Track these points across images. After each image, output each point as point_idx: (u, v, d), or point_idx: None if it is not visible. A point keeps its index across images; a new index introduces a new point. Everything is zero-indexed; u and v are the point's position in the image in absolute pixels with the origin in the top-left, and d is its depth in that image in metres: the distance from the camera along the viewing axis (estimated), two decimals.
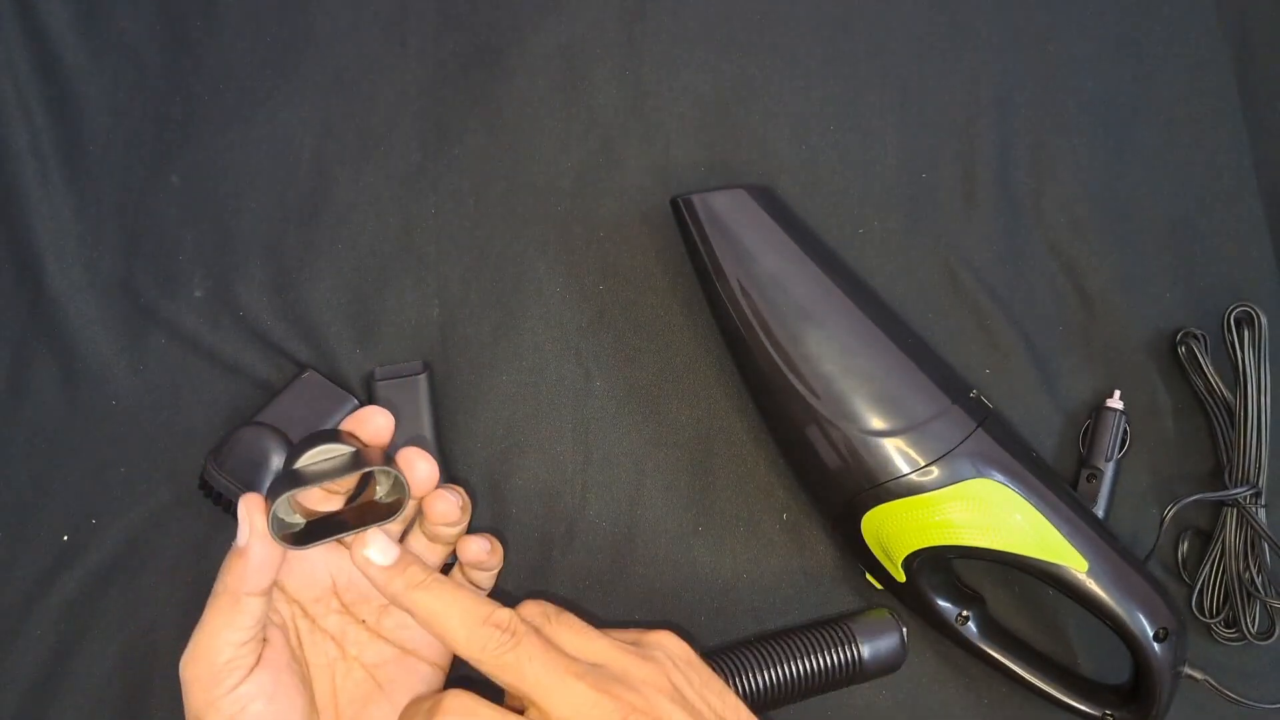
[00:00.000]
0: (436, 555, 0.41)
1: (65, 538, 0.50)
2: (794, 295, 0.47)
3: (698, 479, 0.51)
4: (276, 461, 0.47)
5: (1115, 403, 0.51)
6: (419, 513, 0.40)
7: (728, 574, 0.51)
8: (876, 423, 0.45)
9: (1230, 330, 0.51)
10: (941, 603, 0.47)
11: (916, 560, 0.45)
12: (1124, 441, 0.51)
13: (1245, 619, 0.49)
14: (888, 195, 0.55)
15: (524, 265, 0.54)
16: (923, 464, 0.44)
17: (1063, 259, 0.54)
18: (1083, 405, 0.53)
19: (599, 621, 0.39)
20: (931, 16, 0.57)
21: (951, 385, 0.46)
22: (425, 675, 0.41)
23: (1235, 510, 0.49)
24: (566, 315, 0.53)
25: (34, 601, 0.49)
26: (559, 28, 0.56)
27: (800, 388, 0.46)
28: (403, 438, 0.49)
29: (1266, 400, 0.50)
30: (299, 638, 0.39)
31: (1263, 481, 0.49)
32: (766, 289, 0.47)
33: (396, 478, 0.37)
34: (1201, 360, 0.51)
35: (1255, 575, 0.48)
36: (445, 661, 0.42)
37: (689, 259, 0.50)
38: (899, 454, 0.44)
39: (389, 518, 0.37)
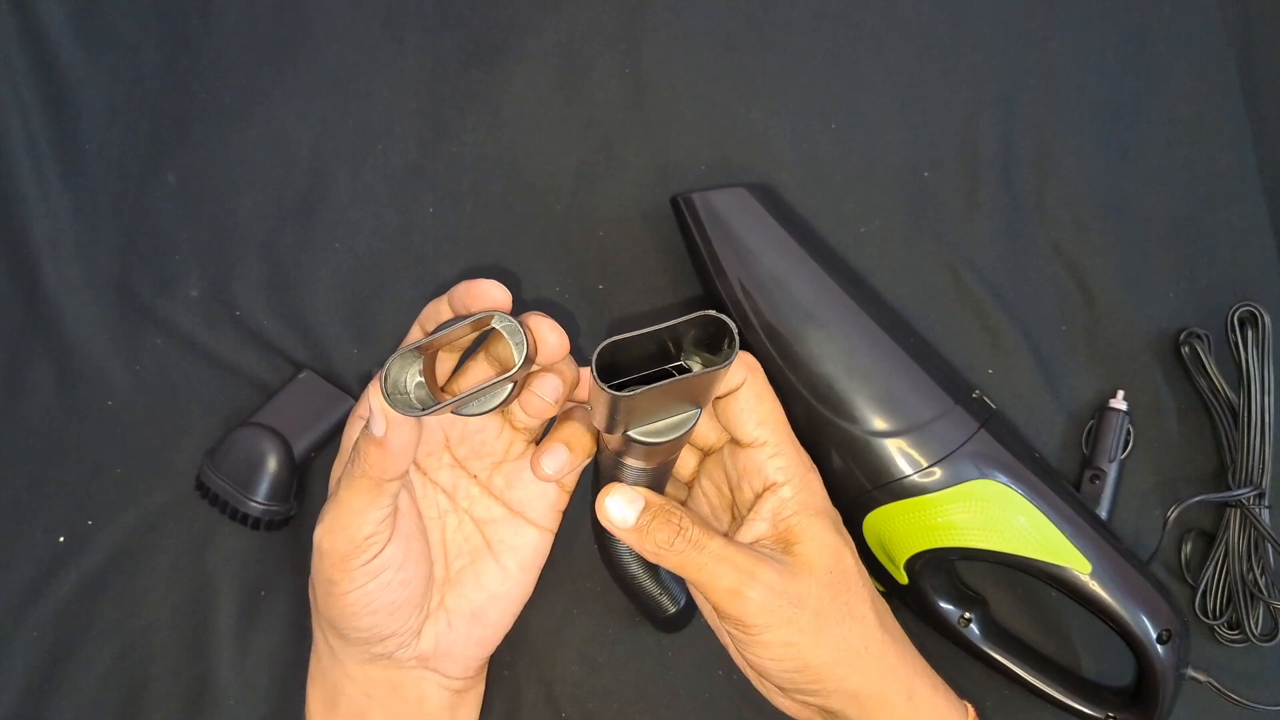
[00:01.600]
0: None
1: (61, 539, 0.49)
2: (795, 295, 0.46)
3: None
4: (273, 462, 0.47)
5: (1119, 403, 0.51)
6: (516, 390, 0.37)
7: None
8: (878, 423, 0.44)
9: (1234, 330, 0.51)
10: (944, 605, 0.47)
11: (919, 562, 0.45)
12: (1127, 442, 0.50)
13: (1249, 620, 0.48)
14: (889, 194, 0.55)
15: (523, 265, 0.53)
16: (925, 465, 0.44)
17: (1065, 258, 0.54)
18: (1086, 405, 0.52)
19: None
20: (933, 15, 0.57)
21: (954, 386, 0.46)
22: (532, 539, 0.42)
23: (1239, 511, 0.49)
24: (566, 316, 0.53)
25: (30, 603, 0.48)
26: (558, 26, 0.56)
27: (801, 388, 0.45)
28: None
29: (1270, 400, 0.49)
30: (413, 492, 0.40)
31: (1266, 482, 0.49)
32: (767, 288, 0.46)
33: (521, 336, 0.34)
34: (1205, 360, 0.51)
35: (1259, 577, 0.48)
36: (554, 525, 0.42)
37: (689, 258, 0.50)
38: (901, 455, 0.44)
39: (505, 377, 0.34)
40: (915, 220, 0.55)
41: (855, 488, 0.45)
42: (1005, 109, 0.56)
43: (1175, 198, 0.55)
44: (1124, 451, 0.50)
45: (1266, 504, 0.49)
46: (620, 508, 0.36)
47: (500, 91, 0.55)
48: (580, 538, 0.50)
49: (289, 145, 0.54)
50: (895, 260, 0.54)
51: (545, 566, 0.50)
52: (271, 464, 0.47)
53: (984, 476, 0.44)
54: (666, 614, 0.44)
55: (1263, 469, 0.49)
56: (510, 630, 0.49)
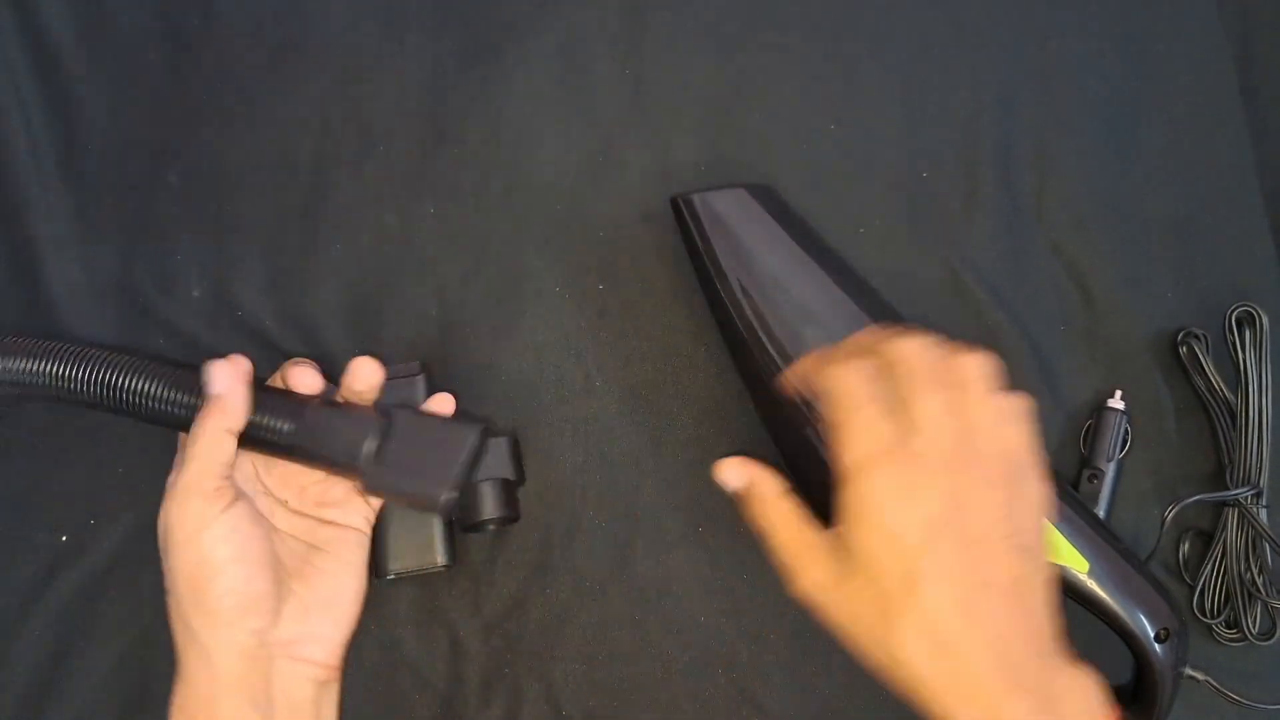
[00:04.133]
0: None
1: (63, 538, 0.50)
2: (795, 296, 0.46)
3: (698, 479, 0.51)
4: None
5: (1117, 403, 0.51)
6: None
7: (728, 574, 0.50)
8: None
9: (1231, 330, 0.51)
10: None
11: None
12: (1125, 442, 0.51)
13: (1246, 619, 0.49)
14: (889, 194, 0.55)
15: (524, 265, 0.54)
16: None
17: (1064, 258, 0.54)
18: (1084, 405, 0.52)
19: None
20: (933, 15, 0.57)
21: None
22: (350, 539, 0.45)
23: (1236, 510, 0.49)
24: (566, 315, 0.53)
25: (32, 603, 0.49)
26: (558, 27, 0.56)
27: (803, 390, 0.45)
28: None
29: (1268, 400, 0.49)
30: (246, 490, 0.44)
31: (1264, 482, 0.49)
32: (767, 289, 0.47)
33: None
34: (1203, 360, 0.51)
35: (1256, 576, 0.48)
36: (366, 527, 0.46)
37: (689, 259, 0.50)
38: None
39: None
40: (914, 220, 0.55)
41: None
42: (1004, 109, 0.56)
43: (1174, 198, 0.55)
44: (1122, 451, 0.50)
45: (1264, 503, 0.49)
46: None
47: (500, 92, 0.55)
48: (580, 537, 0.51)
49: (290, 146, 0.54)
50: (894, 260, 0.54)
51: (545, 564, 0.50)
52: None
53: None
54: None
55: (1260, 469, 0.49)
56: (510, 629, 0.49)
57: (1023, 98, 0.57)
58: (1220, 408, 0.51)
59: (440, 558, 0.48)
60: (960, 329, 0.53)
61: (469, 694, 0.49)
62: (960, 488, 0.36)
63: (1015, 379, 0.52)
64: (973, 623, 0.35)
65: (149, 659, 0.48)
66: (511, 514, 0.49)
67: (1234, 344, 0.51)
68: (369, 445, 0.42)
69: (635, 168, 0.55)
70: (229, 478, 0.41)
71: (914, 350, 0.39)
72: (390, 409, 0.44)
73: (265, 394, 0.43)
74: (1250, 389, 0.49)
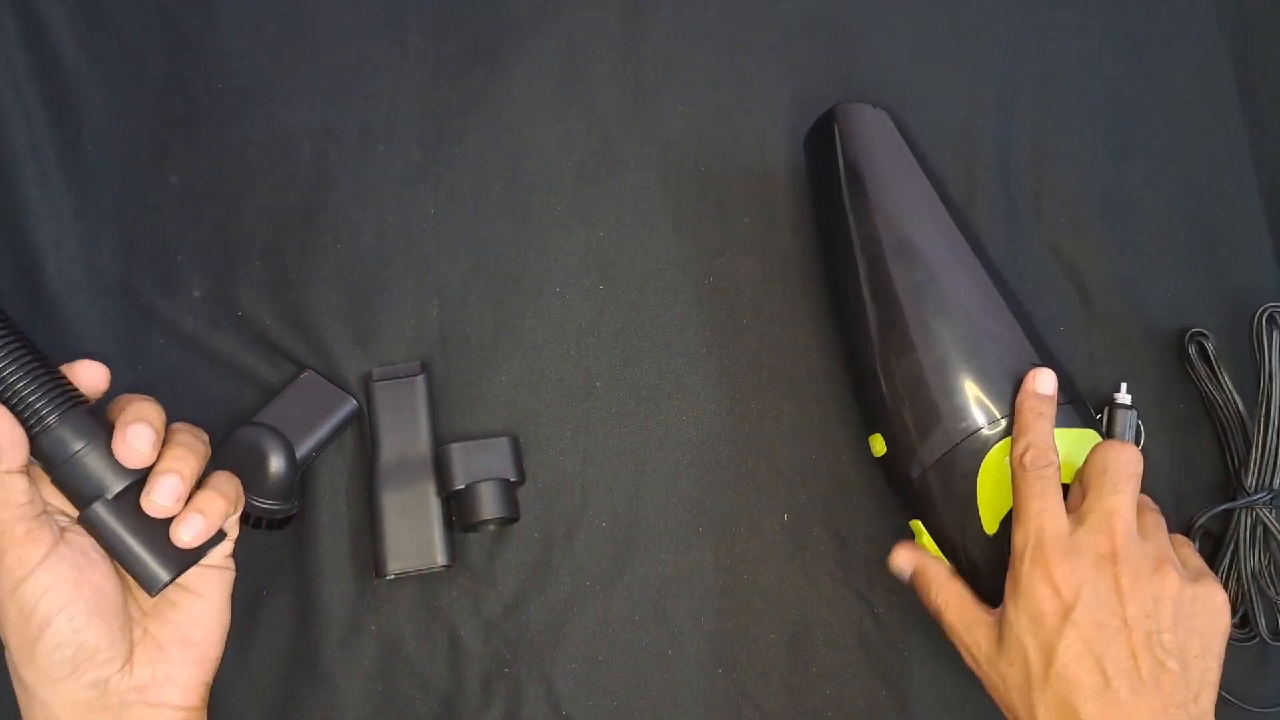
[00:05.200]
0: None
1: None
2: (935, 230, 0.48)
3: (698, 479, 0.51)
4: (275, 462, 0.47)
5: (1123, 397, 0.50)
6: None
7: (728, 575, 0.50)
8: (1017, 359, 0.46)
9: (1260, 331, 0.50)
10: None
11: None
12: (1138, 438, 0.50)
13: (1259, 619, 0.48)
14: None
15: (524, 265, 0.54)
16: (1063, 401, 0.45)
17: (1063, 259, 0.54)
18: (1084, 403, 0.52)
19: None
20: (932, 15, 0.57)
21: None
22: (213, 573, 0.42)
23: (1249, 511, 0.49)
24: (566, 315, 0.53)
25: None
26: (558, 27, 0.56)
27: (941, 316, 0.46)
28: (401, 438, 0.50)
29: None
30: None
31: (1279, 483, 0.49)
32: (916, 215, 0.48)
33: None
34: (1213, 360, 0.51)
35: (1270, 576, 0.48)
36: (229, 563, 0.43)
37: (815, 179, 0.52)
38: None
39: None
40: None
41: (984, 419, 0.45)
42: (1003, 109, 0.56)
43: (1172, 198, 0.55)
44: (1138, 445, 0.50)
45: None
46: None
47: (501, 92, 0.56)
48: (580, 537, 0.51)
49: (291, 146, 0.54)
50: None
51: (545, 564, 0.50)
52: (273, 464, 0.47)
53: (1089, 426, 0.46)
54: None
55: (1273, 470, 0.49)
56: (510, 629, 0.49)
57: (1022, 98, 0.57)
58: (1229, 408, 0.50)
59: (440, 558, 0.48)
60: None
61: (469, 694, 0.49)
62: (1114, 578, 0.40)
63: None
64: (1102, 707, 0.38)
65: None
66: (511, 514, 0.49)
67: (1258, 345, 0.50)
68: (108, 488, 0.38)
69: (635, 168, 0.55)
70: (39, 516, 0.37)
71: (1123, 460, 0.42)
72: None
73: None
74: (1274, 390, 0.49)
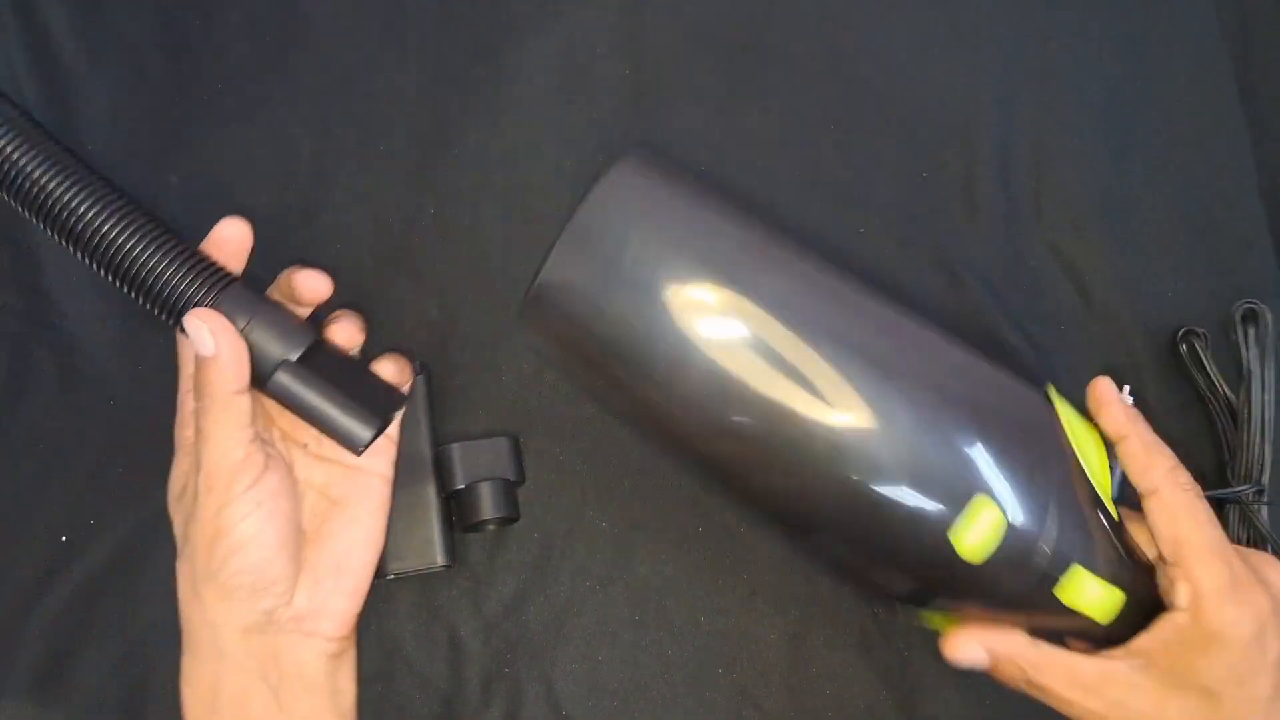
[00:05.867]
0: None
1: (64, 538, 0.50)
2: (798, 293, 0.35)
3: (698, 479, 0.51)
4: None
5: (1125, 397, 0.50)
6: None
7: (728, 575, 0.50)
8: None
9: (1236, 327, 0.51)
10: None
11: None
12: None
13: None
14: (888, 195, 0.55)
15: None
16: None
17: (1063, 258, 0.54)
18: (1084, 404, 0.52)
19: None
20: (933, 15, 0.57)
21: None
22: (374, 487, 0.44)
23: (1238, 509, 0.49)
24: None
25: (33, 603, 0.49)
26: (558, 27, 0.56)
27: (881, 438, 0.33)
28: (400, 438, 0.49)
29: (1270, 398, 0.49)
30: (271, 434, 0.43)
31: (1265, 479, 0.49)
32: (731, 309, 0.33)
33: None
34: (1203, 357, 0.51)
35: None
36: (390, 472, 0.45)
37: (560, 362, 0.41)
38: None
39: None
40: (913, 221, 0.55)
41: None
42: (1003, 109, 0.56)
43: (1173, 198, 0.55)
44: None
45: (1265, 500, 0.49)
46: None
47: (501, 92, 0.56)
48: (580, 537, 0.51)
49: (290, 146, 0.54)
50: (894, 261, 0.54)
51: (545, 564, 0.50)
52: None
53: None
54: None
55: (1262, 466, 0.49)
56: (510, 629, 0.49)
57: (1022, 98, 0.57)
58: (1221, 405, 0.51)
59: (440, 558, 0.48)
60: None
61: (469, 694, 0.49)
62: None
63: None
64: None
65: (150, 659, 0.48)
66: (511, 514, 0.49)
67: (1238, 341, 0.50)
68: (289, 353, 0.39)
69: None
70: (255, 439, 0.39)
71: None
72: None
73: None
74: (1253, 386, 0.49)
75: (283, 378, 0.38)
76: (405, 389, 0.43)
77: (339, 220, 0.54)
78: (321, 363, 0.39)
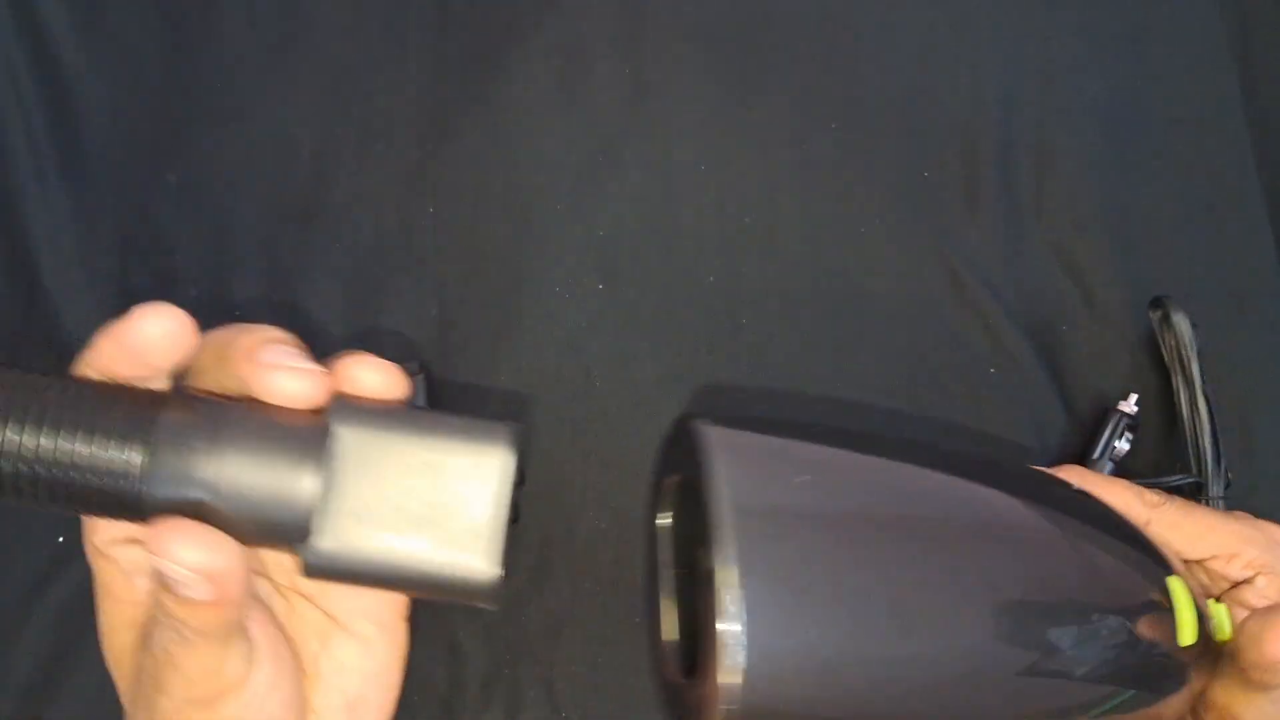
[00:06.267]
0: None
1: (60, 539, 0.49)
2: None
3: None
4: None
5: (1129, 406, 0.50)
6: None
7: None
8: None
9: (1159, 332, 0.50)
10: None
11: None
12: (1129, 444, 0.50)
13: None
14: (889, 195, 0.55)
15: (524, 265, 0.53)
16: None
17: (1064, 258, 0.54)
18: (1088, 404, 0.52)
19: None
20: (933, 15, 0.57)
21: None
22: (385, 598, 0.32)
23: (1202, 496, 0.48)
24: (566, 315, 0.53)
25: (30, 603, 0.48)
26: (559, 26, 0.56)
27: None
28: None
29: (1197, 395, 0.49)
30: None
31: (1206, 477, 0.48)
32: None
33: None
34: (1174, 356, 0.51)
35: None
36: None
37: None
38: None
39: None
40: (915, 221, 0.55)
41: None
42: (1004, 109, 0.56)
43: (1175, 198, 0.55)
44: (1124, 452, 0.50)
45: (1212, 495, 0.48)
46: None
47: (501, 91, 0.55)
48: (580, 534, 0.50)
49: (289, 145, 0.54)
50: (894, 261, 0.54)
51: (545, 564, 0.50)
52: None
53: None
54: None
55: (1200, 463, 0.48)
56: (510, 631, 0.49)
57: (1023, 97, 0.57)
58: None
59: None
60: (961, 329, 0.53)
61: (468, 696, 0.49)
62: None
63: (1017, 379, 0.53)
64: None
65: None
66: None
67: (1162, 346, 0.51)
68: (308, 488, 0.24)
69: (635, 168, 0.55)
70: (245, 651, 0.27)
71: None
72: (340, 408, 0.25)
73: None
74: (1175, 385, 0.49)
75: (320, 561, 0.24)
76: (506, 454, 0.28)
77: (337, 220, 0.53)
78: (361, 481, 0.24)
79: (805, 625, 0.25)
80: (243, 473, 0.23)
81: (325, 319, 0.52)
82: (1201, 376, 0.49)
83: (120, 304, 0.52)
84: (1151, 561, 0.33)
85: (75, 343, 0.51)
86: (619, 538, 0.50)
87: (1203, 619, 0.32)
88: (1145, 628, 0.31)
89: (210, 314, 0.51)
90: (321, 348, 0.52)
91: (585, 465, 0.51)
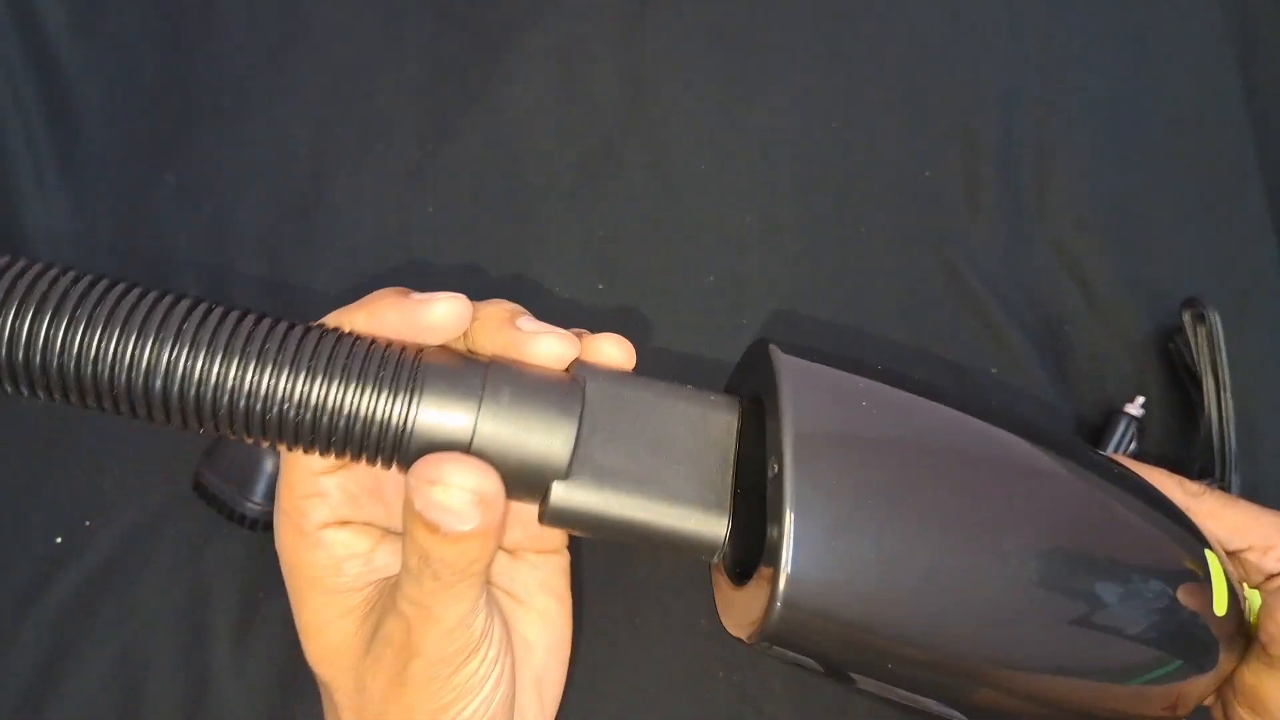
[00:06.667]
0: None
1: (59, 540, 0.49)
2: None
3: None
4: (271, 463, 0.47)
5: (1135, 409, 0.50)
6: None
7: None
8: None
9: (1186, 330, 0.50)
10: None
11: None
12: (1131, 443, 0.50)
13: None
14: (890, 194, 0.55)
15: (524, 265, 0.53)
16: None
17: (1066, 257, 0.54)
18: (1088, 404, 0.52)
19: None
20: (934, 13, 0.57)
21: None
22: (556, 566, 0.33)
23: None
24: (566, 315, 0.53)
25: (27, 605, 0.48)
26: (558, 26, 0.56)
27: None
28: None
29: (1227, 396, 0.49)
30: None
31: (1229, 475, 0.48)
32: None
33: None
34: (1186, 359, 0.51)
35: None
36: (565, 540, 0.33)
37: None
38: None
39: None
40: (916, 220, 0.54)
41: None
42: (1006, 108, 0.56)
43: (1176, 197, 0.55)
44: (1128, 451, 0.50)
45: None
46: None
47: (500, 91, 0.55)
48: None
49: (289, 145, 0.54)
50: (896, 260, 0.54)
51: None
52: (269, 464, 0.47)
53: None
54: None
55: (1224, 465, 0.49)
56: None
57: (1024, 96, 0.56)
58: (1199, 405, 0.50)
59: None
60: (962, 329, 0.53)
61: None
62: None
63: (1019, 379, 0.52)
64: None
65: (145, 661, 0.48)
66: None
67: (1188, 342, 0.50)
68: (563, 437, 0.25)
69: (635, 168, 0.55)
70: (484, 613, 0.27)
71: None
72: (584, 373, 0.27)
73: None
74: (1206, 387, 0.49)
75: (567, 506, 0.25)
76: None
77: (336, 219, 0.53)
78: (602, 431, 0.25)
79: (857, 536, 0.26)
80: (506, 419, 0.24)
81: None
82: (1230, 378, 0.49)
83: None
84: (1190, 534, 0.33)
85: None
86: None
87: (1235, 596, 0.33)
88: (1184, 594, 0.31)
89: None
90: None
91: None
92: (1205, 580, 0.32)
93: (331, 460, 0.26)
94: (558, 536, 0.33)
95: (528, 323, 0.27)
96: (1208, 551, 0.33)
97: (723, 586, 0.29)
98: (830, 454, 0.27)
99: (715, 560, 0.27)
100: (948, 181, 0.55)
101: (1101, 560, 0.30)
